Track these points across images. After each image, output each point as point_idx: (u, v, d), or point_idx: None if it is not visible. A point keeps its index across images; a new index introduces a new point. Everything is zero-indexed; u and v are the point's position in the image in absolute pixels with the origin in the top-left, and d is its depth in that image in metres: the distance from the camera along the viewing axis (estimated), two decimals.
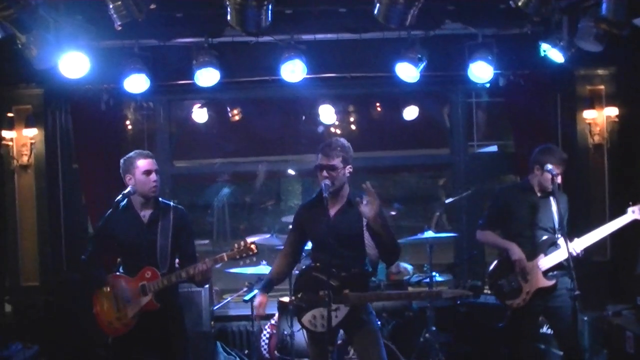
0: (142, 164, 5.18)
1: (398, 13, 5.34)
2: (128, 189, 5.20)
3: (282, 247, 5.50)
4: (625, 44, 6.38)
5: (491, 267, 5.96)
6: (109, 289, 5.22)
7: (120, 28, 5.51)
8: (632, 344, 6.33)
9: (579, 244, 5.62)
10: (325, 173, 4.97)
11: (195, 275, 5.07)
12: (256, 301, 5.23)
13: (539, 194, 5.80)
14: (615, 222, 5.71)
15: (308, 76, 7.01)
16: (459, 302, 7.40)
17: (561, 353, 6.34)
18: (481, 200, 8.39)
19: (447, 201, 7.82)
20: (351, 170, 5.06)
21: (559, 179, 5.68)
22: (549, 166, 5.60)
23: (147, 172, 5.17)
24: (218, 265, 7.50)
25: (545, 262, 5.66)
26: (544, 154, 5.74)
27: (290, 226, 5.56)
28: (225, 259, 5.15)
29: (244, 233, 10.02)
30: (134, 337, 5.20)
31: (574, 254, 5.48)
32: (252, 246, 5.10)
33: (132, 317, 5.15)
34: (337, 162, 4.95)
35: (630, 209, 5.68)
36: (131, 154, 5.29)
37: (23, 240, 7.37)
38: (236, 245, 5.15)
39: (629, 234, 6.89)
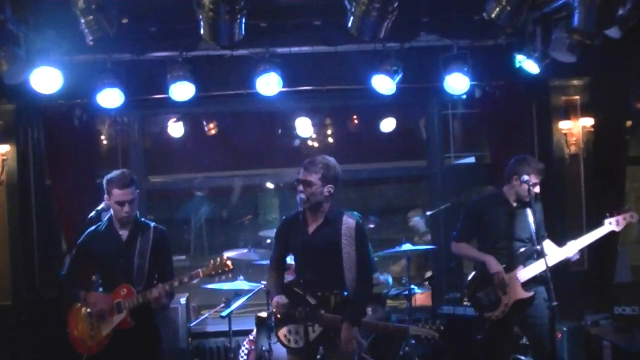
0: (117, 194, 5.08)
1: (371, 26, 5.31)
2: (102, 205, 5.17)
3: (270, 263, 5.34)
4: (598, 54, 6.43)
5: (469, 279, 5.93)
6: (83, 307, 5.15)
7: (92, 43, 5.44)
8: (609, 353, 6.35)
9: (555, 257, 5.63)
10: (301, 187, 4.94)
11: (151, 300, 5.02)
12: (274, 301, 5.00)
13: (514, 204, 5.79)
14: (592, 234, 5.72)
15: (284, 89, 6.99)
16: (438, 312, 7.38)
17: None
18: (459, 212, 8.39)
19: (427, 213, 7.79)
20: (332, 189, 4.97)
21: (536, 189, 5.69)
22: (525, 177, 5.60)
23: (120, 203, 5.09)
24: (195, 281, 7.45)
25: (524, 273, 5.64)
26: (521, 164, 5.74)
27: (273, 240, 5.49)
28: (201, 275, 5.10)
29: (222, 248, 9.90)
30: (108, 356, 5.11)
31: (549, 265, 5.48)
32: (228, 262, 5.07)
33: (106, 335, 5.08)
34: (314, 178, 4.91)
35: (607, 221, 5.70)
36: (112, 176, 5.14)
37: None
38: (212, 261, 5.12)
39: (606, 243, 6.95)
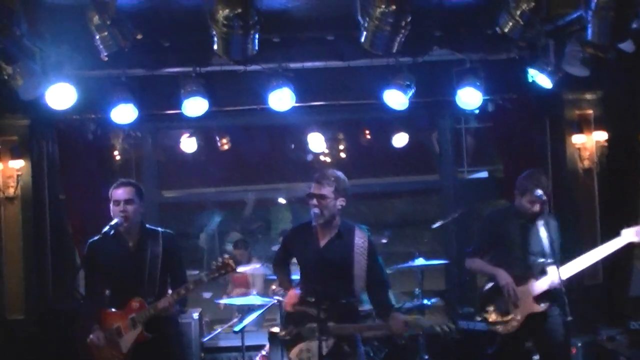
0: (113, 194, 5.14)
1: (384, 40, 5.32)
2: (115, 220, 5.13)
3: (275, 261, 5.54)
4: (612, 67, 6.41)
5: (481, 292, 5.88)
6: (100, 329, 5.09)
7: (106, 59, 5.48)
8: None
9: (571, 269, 5.59)
10: (314, 201, 4.94)
11: (160, 310, 5.01)
12: (287, 297, 5.10)
13: (526, 218, 5.75)
14: (608, 245, 5.63)
15: (296, 104, 6.98)
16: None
17: None
18: (471, 226, 8.37)
19: (435, 225, 7.80)
20: (344, 203, 5.00)
21: (535, 208, 5.60)
22: (539, 191, 5.55)
23: (116, 203, 5.12)
24: (208, 296, 7.47)
25: (537, 286, 5.59)
26: (525, 179, 5.70)
27: (281, 243, 5.56)
28: (205, 279, 5.03)
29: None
30: None
31: (564, 279, 5.42)
32: (231, 262, 5.03)
33: (127, 352, 5.04)
34: (327, 191, 4.93)
35: (624, 231, 5.61)
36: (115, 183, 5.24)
37: (9, 273, 7.25)
38: (214, 263, 5.06)
39: (621, 257, 6.88)
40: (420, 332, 5.70)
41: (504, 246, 5.78)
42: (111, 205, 5.14)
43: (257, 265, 7.90)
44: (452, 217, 7.77)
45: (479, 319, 5.81)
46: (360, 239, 5.04)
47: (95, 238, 5.18)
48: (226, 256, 5.09)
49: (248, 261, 8.67)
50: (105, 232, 5.06)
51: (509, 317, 5.60)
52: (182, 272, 5.31)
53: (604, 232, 7.25)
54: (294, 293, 5.08)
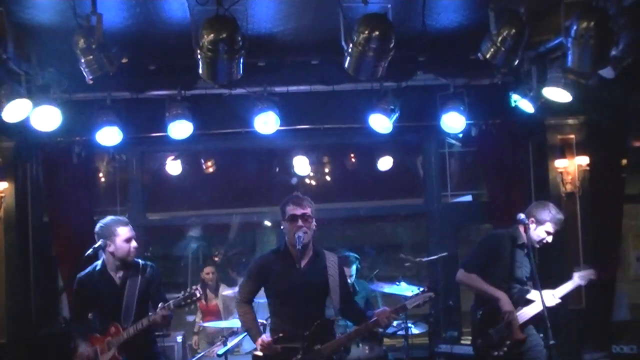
0: (123, 232, 5.26)
1: (368, 66, 5.31)
2: (99, 242, 5.19)
3: (241, 296, 5.21)
4: (593, 93, 6.48)
5: (478, 316, 5.84)
6: (83, 350, 5.23)
7: (91, 82, 5.49)
8: None
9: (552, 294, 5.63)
10: (300, 222, 4.92)
11: (132, 335, 5.14)
12: (259, 342, 4.94)
13: (519, 244, 5.76)
14: (564, 286, 5.74)
15: (281, 128, 7.02)
16: (435, 351, 7.35)
17: None
18: (455, 250, 8.38)
19: (423, 260, 7.84)
20: (315, 224, 5.06)
21: (549, 239, 5.71)
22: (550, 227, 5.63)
23: (129, 240, 5.26)
24: (191, 319, 7.44)
25: (523, 315, 5.62)
26: (542, 209, 5.75)
27: (247, 276, 5.30)
28: (172, 308, 5.08)
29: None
30: None
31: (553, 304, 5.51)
32: (196, 291, 5.08)
33: None
34: (310, 211, 4.97)
35: (575, 274, 5.77)
36: (108, 220, 5.32)
37: None
38: (182, 292, 5.10)
39: (604, 281, 6.93)
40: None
41: (497, 269, 5.76)
42: (120, 242, 5.23)
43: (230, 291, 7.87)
44: (440, 255, 7.75)
45: (467, 343, 5.79)
46: (330, 259, 5.10)
47: (84, 273, 5.34)
48: (194, 287, 5.16)
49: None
50: (93, 266, 5.32)
51: (504, 341, 5.59)
52: (161, 297, 5.37)
53: (586, 256, 7.31)
54: (265, 337, 4.98)
